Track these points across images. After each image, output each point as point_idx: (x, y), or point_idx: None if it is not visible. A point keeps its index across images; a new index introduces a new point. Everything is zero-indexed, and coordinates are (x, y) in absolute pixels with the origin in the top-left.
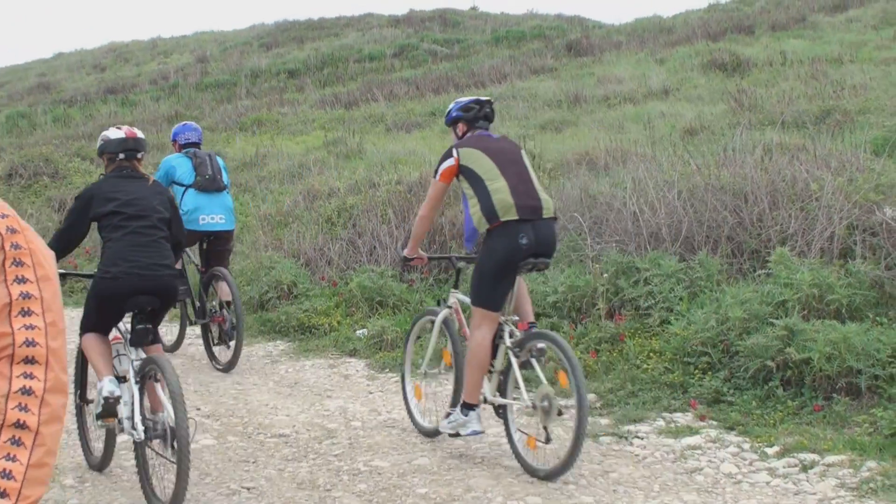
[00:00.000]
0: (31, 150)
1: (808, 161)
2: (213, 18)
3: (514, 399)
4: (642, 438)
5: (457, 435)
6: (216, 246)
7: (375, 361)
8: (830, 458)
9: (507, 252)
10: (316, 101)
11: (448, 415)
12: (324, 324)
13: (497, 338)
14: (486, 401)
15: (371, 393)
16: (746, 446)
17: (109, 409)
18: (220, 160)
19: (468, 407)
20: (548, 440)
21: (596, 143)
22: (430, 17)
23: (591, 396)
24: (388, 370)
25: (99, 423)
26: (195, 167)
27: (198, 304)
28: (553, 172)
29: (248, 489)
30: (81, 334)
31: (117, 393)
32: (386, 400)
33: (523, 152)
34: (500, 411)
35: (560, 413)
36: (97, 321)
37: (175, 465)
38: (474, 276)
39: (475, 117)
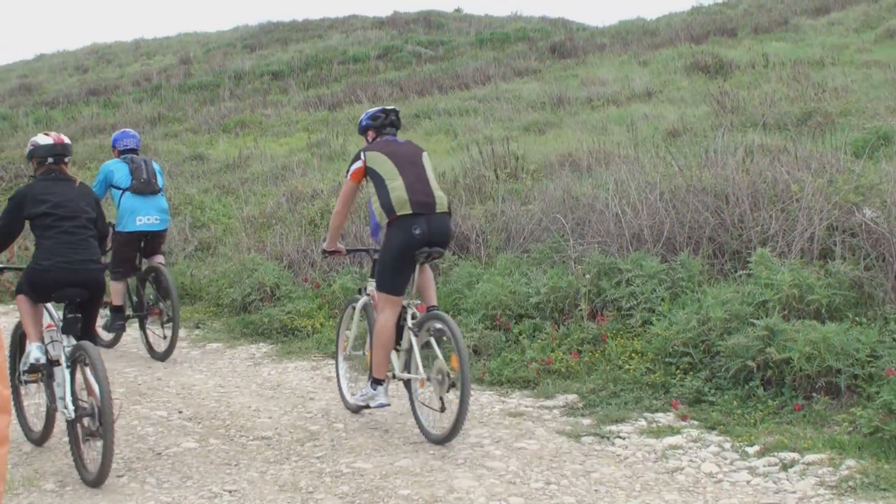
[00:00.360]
0: (12, 153)
1: (789, 163)
2: (197, 20)
3: (415, 374)
4: (624, 438)
5: (366, 406)
6: (151, 245)
7: (358, 363)
8: (810, 457)
9: (403, 243)
10: (300, 102)
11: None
12: (307, 326)
13: (402, 320)
14: (394, 376)
15: (353, 394)
16: (727, 446)
17: (34, 370)
18: (155, 165)
19: (376, 382)
20: (442, 409)
21: (579, 144)
22: (415, 18)
23: (573, 397)
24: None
25: (25, 377)
26: (132, 171)
27: (135, 298)
28: (536, 174)
29: (230, 492)
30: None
31: (42, 360)
32: None
33: (425, 155)
34: (406, 386)
35: (452, 385)
36: (29, 294)
37: (102, 443)
38: (377, 265)
39: (382, 125)
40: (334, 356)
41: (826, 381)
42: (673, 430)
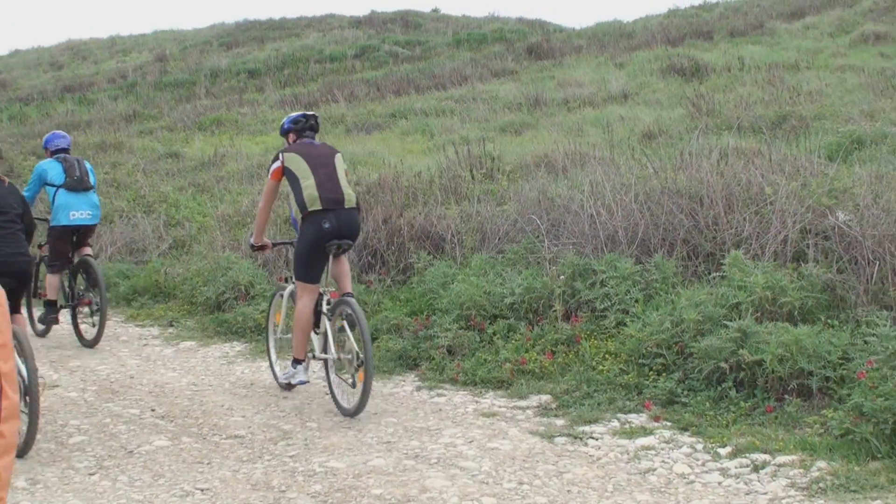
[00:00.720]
0: None
1: (764, 166)
2: (173, 17)
3: (329, 355)
4: (597, 439)
5: (289, 385)
6: (82, 238)
7: (333, 363)
8: (781, 459)
9: (314, 235)
10: (276, 101)
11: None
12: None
13: (318, 305)
14: (314, 356)
15: (327, 394)
16: (699, 447)
17: None
18: (87, 164)
19: (296, 361)
20: (353, 385)
21: (555, 145)
22: (392, 18)
23: (546, 397)
24: (344, 371)
25: None
26: (65, 170)
27: (68, 290)
28: (512, 175)
29: (202, 490)
30: None
31: None
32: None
33: (338, 156)
34: (323, 365)
35: (361, 364)
36: None
37: (27, 417)
38: (294, 256)
39: (302, 128)
40: (265, 340)
41: (798, 383)
42: (645, 431)
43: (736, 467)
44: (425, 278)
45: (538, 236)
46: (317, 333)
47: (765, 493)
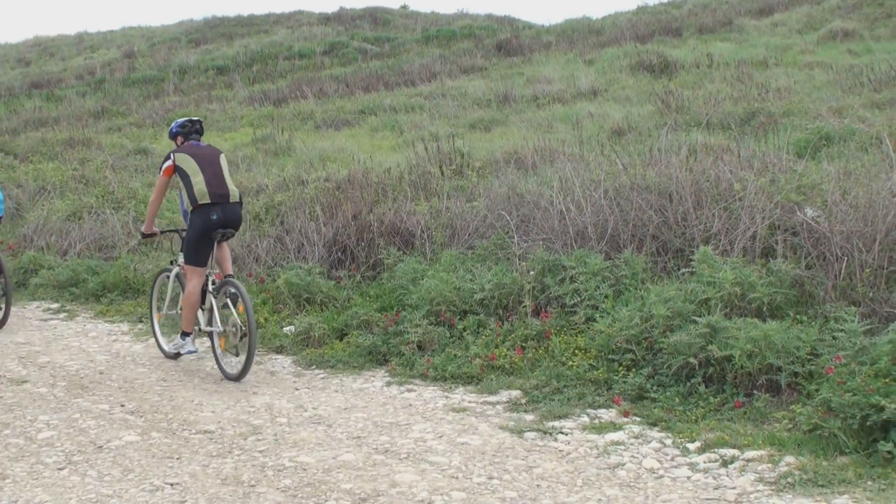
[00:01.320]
0: None
1: (732, 162)
2: (141, 13)
3: (215, 328)
4: (566, 434)
5: (178, 354)
6: None
7: (302, 358)
8: (750, 454)
9: (203, 225)
10: (245, 97)
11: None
12: None
13: (205, 285)
14: (200, 330)
15: (297, 389)
16: (668, 442)
17: None
18: None
19: (185, 334)
20: (237, 354)
21: (524, 142)
22: (361, 15)
23: (516, 393)
24: (314, 367)
25: None
26: None
27: None
28: (482, 171)
29: (172, 485)
30: None
31: None
32: (312, 396)
33: (222, 156)
34: (209, 337)
35: (244, 335)
36: None
37: None
38: (184, 243)
39: (189, 132)
40: (149, 317)
41: (767, 379)
42: (615, 427)
43: (705, 462)
44: (395, 274)
45: (508, 232)
46: (202, 309)
47: (733, 488)
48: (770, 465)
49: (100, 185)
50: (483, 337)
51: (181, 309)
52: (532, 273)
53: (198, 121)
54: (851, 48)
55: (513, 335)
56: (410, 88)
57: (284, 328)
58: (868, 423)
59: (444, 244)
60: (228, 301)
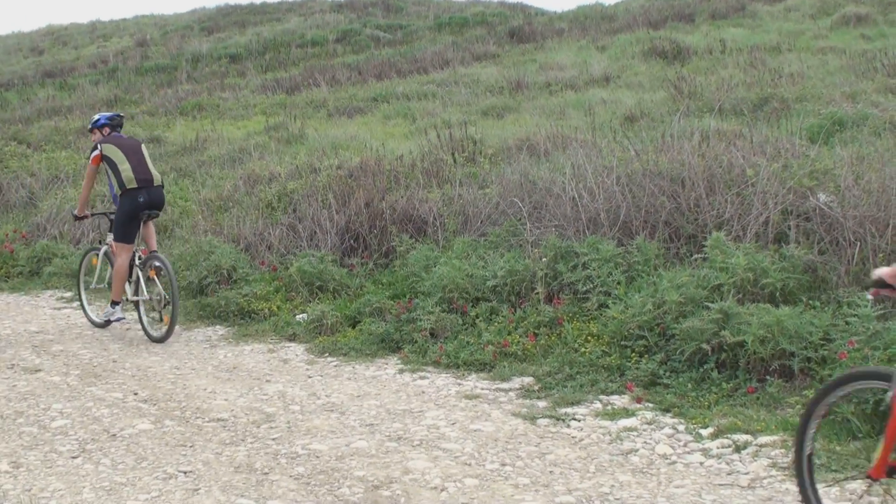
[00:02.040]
0: None
1: (745, 147)
2: (154, 2)
3: (141, 297)
4: (579, 420)
5: (108, 322)
6: None
7: (315, 346)
8: (763, 439)
9: (131, 207)
10: (257, 86)
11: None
12: (263, 309)
13: (133, 260)
14: (128, 299)
15: (310, 377)
16: (681, 428)
17: None
18: None
19: (114, 303)
20: (161, 319)
21: (537, 129)
22: (373, 2)
23: (529, 379)
24: (327, 354)
25: None
26: None
27: None
28: (494, 158)
29: (185, 473)
30: None
31: None
32: (325, 384)
33: (143, 145)
34: (136, 306)
35: (168, 303)
36: None
37: None
38: (115, 222)
39: (114, 125)
40: (77, 289)
41: (779, 364)
42: (628, 413)
43: (718, 448)
44: (408, 261)
45: (520, 219)
46: (129, 282)
47: (746, 474)
48: (783, 450)
49: None
50: (495, 324)
51: (110, 282)
52: (544, 260)
53: (120, 115)
54: (865, 33)
55: (525, 322)
56: (423, 76)
57: (297, 316)
58: (881, 408)
59: (457, 231)
60: (153, 273)
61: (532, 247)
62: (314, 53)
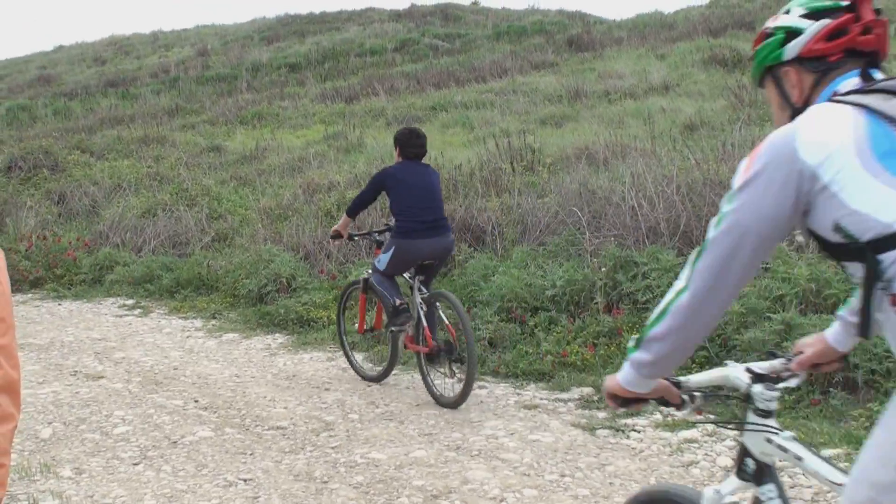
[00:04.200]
0: (31, 143)
1: None
2: (215, 12)
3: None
4: (639, 432)
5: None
6: None
7: (374, 354)
8: (827, 452)
9: None
10: (316, 95)
11: None
12: (322, 317)
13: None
14: None
15: (369, 386)
16: None
17: None
18: None
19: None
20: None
21: (596, 137)
22: (432, 11)
23: (588, 390)
24: (385, 363)
25: None
26: None
27: None
28: (553, 167)
29: (245, 481)
30: None
31: None
32: (384, 393)
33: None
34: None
35: None
36: None
37: None
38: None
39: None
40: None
41: (843, 376)
42: (688, 424)
43: (781, 461)
44: (466, 271)
45: (579, 228)
46: None
47: (809, 487)
48: (847, 463)
49: (174, 182)
50: (554, 334)
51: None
52: (604, 269)
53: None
54: None
55: (584, 332)
56: (481, 84)
57: (356, 325)
58: None
59: (515, 240)
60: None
61: (591, 256)
62: (373, 62)
